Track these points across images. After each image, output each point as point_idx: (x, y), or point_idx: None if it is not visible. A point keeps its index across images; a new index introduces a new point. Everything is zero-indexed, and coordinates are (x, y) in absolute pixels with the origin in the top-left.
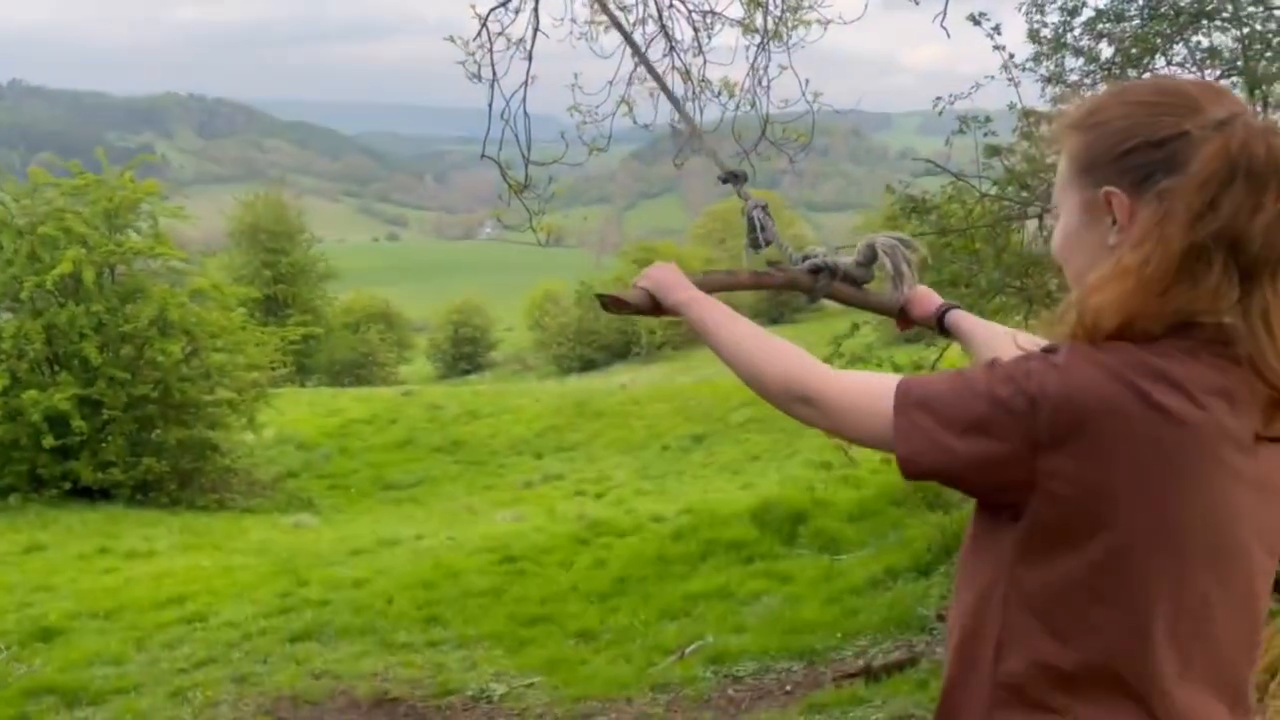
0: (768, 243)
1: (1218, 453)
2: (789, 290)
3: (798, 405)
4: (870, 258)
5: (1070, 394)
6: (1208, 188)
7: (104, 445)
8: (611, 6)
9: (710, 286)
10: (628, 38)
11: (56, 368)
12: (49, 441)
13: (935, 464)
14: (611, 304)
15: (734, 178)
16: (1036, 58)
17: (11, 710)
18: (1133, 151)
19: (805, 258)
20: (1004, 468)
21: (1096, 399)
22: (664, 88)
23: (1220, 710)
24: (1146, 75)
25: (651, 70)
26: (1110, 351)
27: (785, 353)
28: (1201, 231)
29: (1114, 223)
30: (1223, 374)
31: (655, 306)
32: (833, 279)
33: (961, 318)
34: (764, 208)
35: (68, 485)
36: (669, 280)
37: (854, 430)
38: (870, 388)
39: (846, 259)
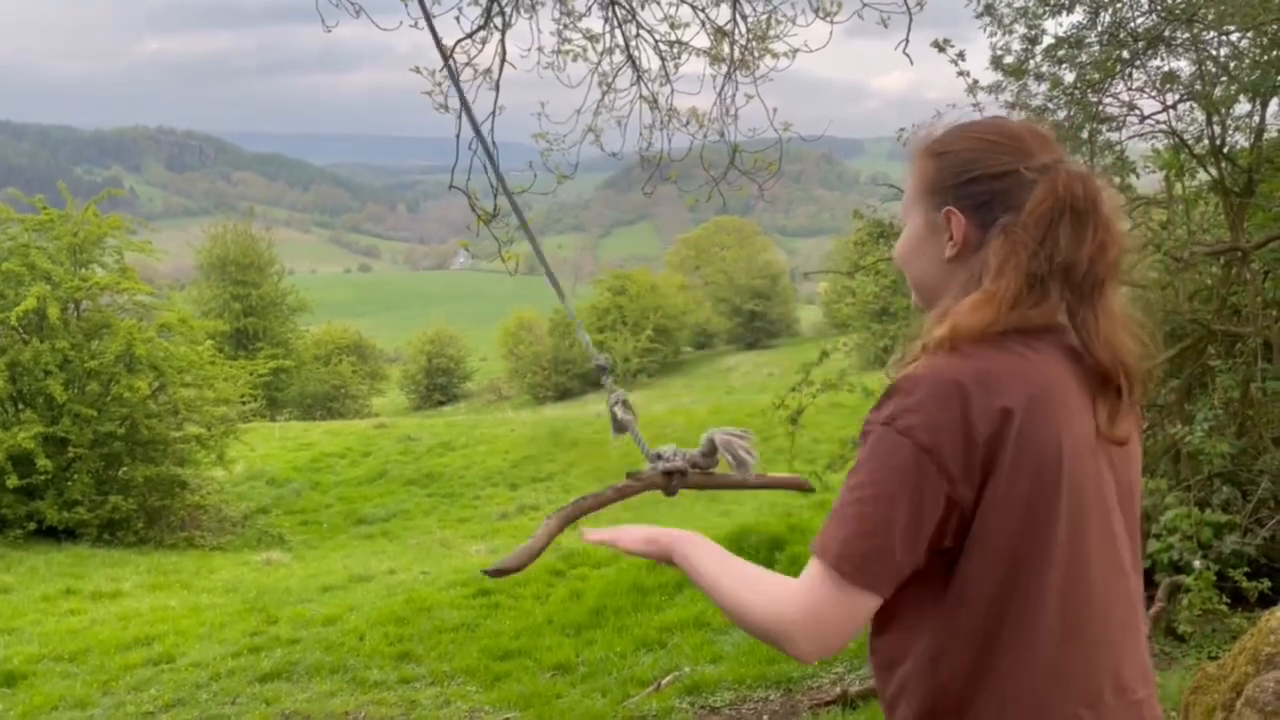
0: (622, 431)
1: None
2: (650, 491)
3: (784, 647)
4: (712, 449)
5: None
6: (1041, 223)
7: (70, 484)
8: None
9: (582, 510)
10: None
11: (20, 405)
12: (13, 481)
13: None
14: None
15: (601, 370)
16: (999, 85)
17: None
18: (974, 181)
19: (659, 455)
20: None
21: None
22: (487, 150)
23: None
24: (1108, 100)
25: (477, 130)
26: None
27: (751, 606)
28: (1041, 261)
29: (950, 239)
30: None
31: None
32: (684, 479)
33: None
34: (624, 402)
35: (32, 525)
36: (645, 538)
37: (840, 636)
38: (814, 597)
39: (694, 452)
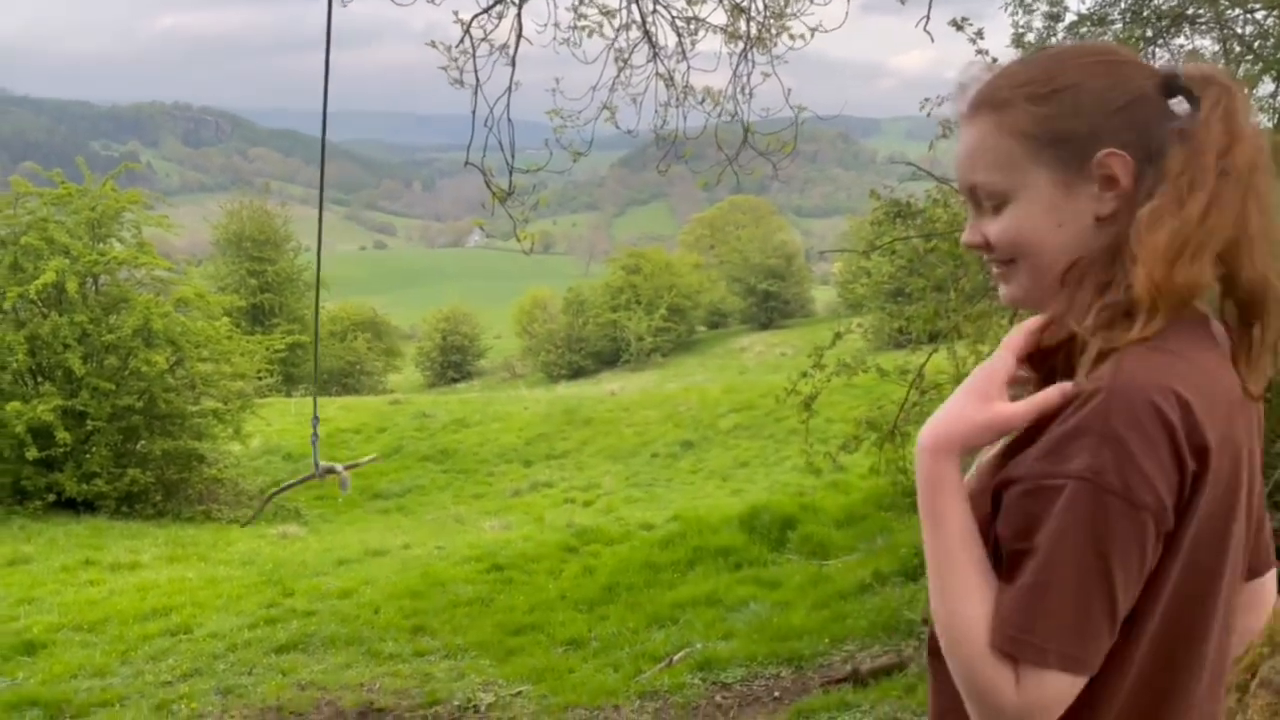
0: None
1: None
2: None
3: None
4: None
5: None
6: (1228, 120)
7: (88, 457)
8: None
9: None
10: None
11: (40, 379)
12: (33, 453)
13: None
14: None
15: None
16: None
17: None
18: (1129, 107)
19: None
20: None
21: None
22: None
23: None
24: None
25: None
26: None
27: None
28: (1224, 172)
29: (1108, 188)
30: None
31: None
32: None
33: None
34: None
35: (52, 497)
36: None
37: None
38: (1036, 701)
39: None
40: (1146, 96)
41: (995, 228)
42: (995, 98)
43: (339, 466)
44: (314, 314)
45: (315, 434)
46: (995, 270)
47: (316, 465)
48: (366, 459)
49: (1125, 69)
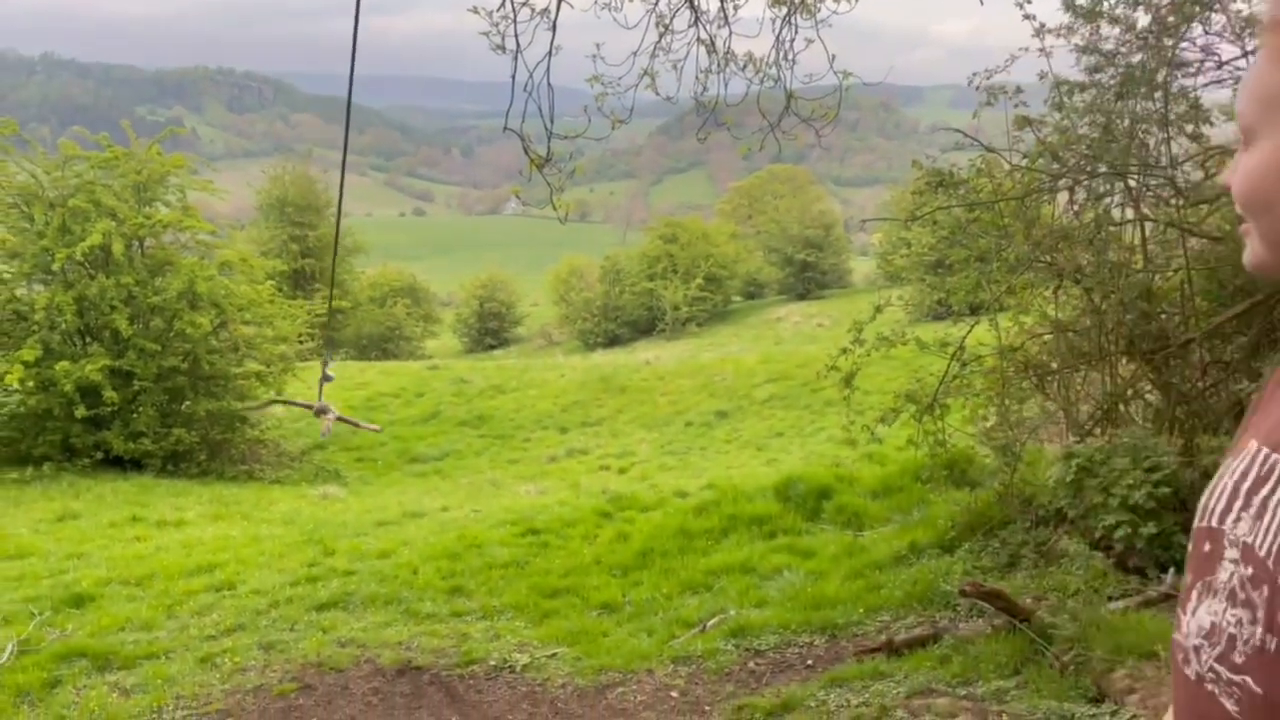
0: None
1: None
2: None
3: None
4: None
5: None
6: None
7: (135, 416)
8: None
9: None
10: None
11: (88, 339)
12: (81, 412)
13: None
14: None
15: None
16: (1071, 27)
17: (44, 673)
18: None
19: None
20: None
21: None
22: None
23: None
24: (1184, 45)
25: None
26: None
27: None
28: None
29: None
30: None
31: None
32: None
33: None
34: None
35: (100, 455)
36: None
37: None
38: None
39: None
40: None
41: (1238, 171)
42: None
43: (332, 411)
44: (332, 259)
45: (325, 375)
46: (1241, 227)
47: (321, 397)
48: (368, 425)
49: None
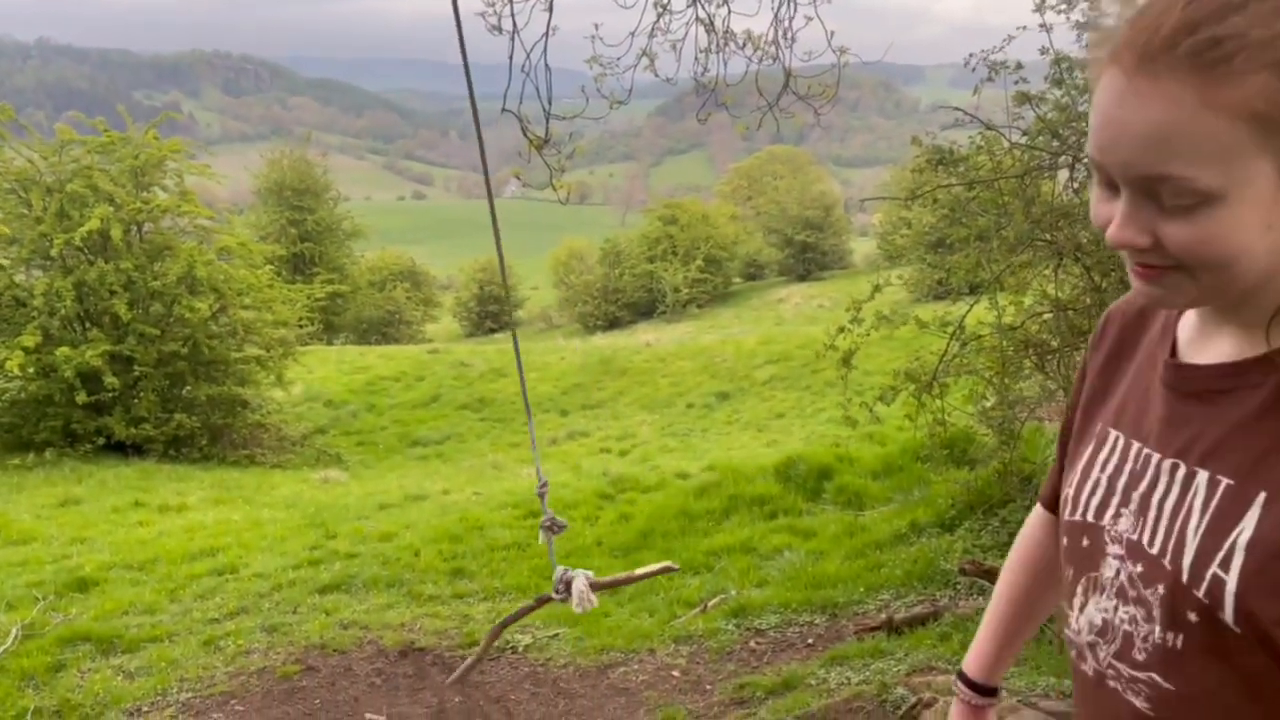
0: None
1: None
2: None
3: None
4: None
5: None
6: None
7: (136, 401)
8: None
9: (514, 618)
10: None
11: (87, 325)
12: (82, 397)
13: None
14: None
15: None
16: (1070, 1)
17: (49, 657)
18: None
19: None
20: None
21: None
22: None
23: None
24: None
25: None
26: None
27: None
28: None
29: None
30: None
31: None
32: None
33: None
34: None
35: (101, 440)
36: None
37: None
38: None
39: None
40: None
41: (1184, 234)
42: (1213, 53)
43: (582, 579)
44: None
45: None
46: (1143, 269)
47: (553, 564)
48: (651, 569)
49: None
